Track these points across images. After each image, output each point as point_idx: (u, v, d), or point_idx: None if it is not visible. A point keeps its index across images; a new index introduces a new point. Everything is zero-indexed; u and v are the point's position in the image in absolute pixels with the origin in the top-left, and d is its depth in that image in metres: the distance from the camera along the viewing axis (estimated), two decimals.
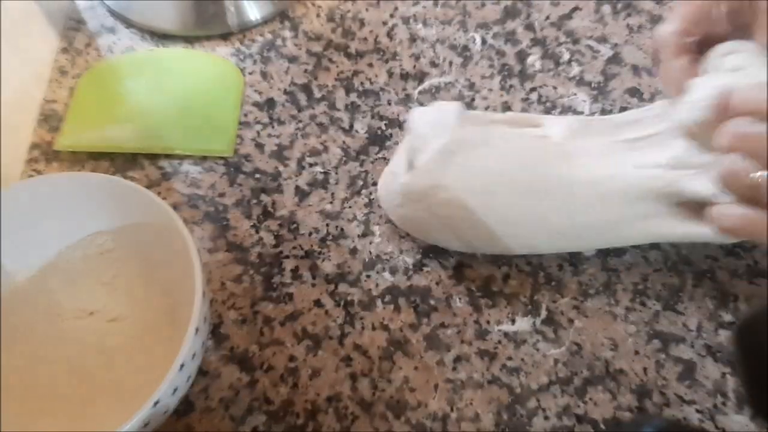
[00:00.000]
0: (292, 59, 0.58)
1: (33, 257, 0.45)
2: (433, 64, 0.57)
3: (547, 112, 0.54)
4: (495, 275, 0.47)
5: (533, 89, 0.56)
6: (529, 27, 0.59)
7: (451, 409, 0.43)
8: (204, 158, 0.53)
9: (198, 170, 0.53)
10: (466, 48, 0.58)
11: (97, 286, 0.46)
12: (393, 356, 0.45)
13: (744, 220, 0.35)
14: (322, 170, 0.52)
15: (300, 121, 0.55)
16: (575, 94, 0.55)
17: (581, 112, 0.54)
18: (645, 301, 0.46)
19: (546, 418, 0.42)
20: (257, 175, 0.52)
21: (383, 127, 0.54)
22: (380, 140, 0.53)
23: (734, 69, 0.38)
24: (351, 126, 0.54)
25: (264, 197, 0.51)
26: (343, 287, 0.47)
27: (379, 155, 0.53)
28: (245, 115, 0.55)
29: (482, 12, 0.60)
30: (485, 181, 0.44)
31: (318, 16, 0.61)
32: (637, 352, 0.44)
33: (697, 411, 0.42)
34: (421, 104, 0.55)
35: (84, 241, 0.46)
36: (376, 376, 0.44)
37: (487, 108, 0.55)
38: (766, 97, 0.34)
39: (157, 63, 0.58)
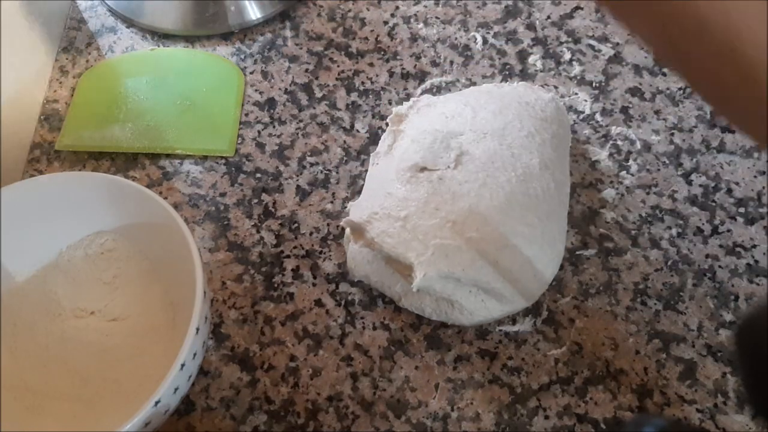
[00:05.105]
0: (293, 59, 0.58)
1: (33, 257, 0.45)
2: (434, 64, 0.57)
3: None
4: None
5: None
6: (530, 26, 0.59)
7: (452, 409, 0.43)
8: (205, 158, 0.53)
9: (199, 170, 0.53)
10: (467, 47, 0.58)
11: (98, 286, 0.46)
12: (394, 356, 0.45)
13: None
14: (322, 170, 0.52)
15: (301, 121, 0.55)
16: (576, 94, 0.55)
17: (582, 112, 0.54)
18: (646, 300, 0.46)
19: (546, 417, 0.42)
20: (258, 175, 0.52)
21: (384, 127, 0.54)
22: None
23: None
24: (352, 125, 0.54)
25: (265, 197, 0.51)
26: (343, 287, 0.47)
27: None
28: (246, 115, 0.55)
29: (483, 11, 0.60)
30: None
31: (319, 15, 0.61)
32: (637, 352, 0.44)
33: (698, 411, 0.42)
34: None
35: (85, 241, 0.46)
36: (377, 375, 0.44)
37: None
38: None
39: (157, 62, 0.58)
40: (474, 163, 0.44)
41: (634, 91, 0.55)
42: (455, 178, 0.44)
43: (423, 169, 0.44)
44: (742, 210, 0.50)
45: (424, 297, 0.43)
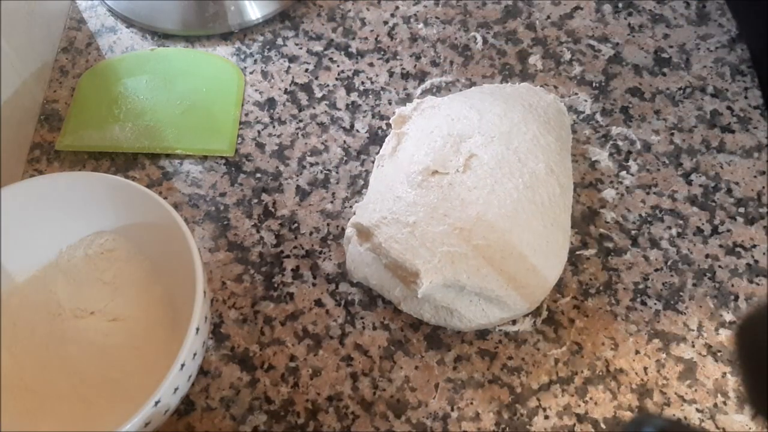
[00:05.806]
0: (293, 59, 0.58)
1: (33, 257, 0.45)
2: (434, 64, 0.57)
3: None
4: None
5: None
6: (530, 26, 0.59)
7: (452, 409, 0.43)
8: (205, 158, 0.53)
9: (199, 170, 0.53)
10: (467, 47, 0.58)
11: (98, 286, 0.46)
12: (394, 356, 0.45)
13: None
14: (322, 170, 0.52)
15: (301, 121, 0.55)
16: (576, 94, 0.55)
17: (582, 112, 0.54)
18: (646, 300, 0.46)
19: (546, 417, 0.42)
20: (258, 175, 0.52)
21: (384, 127, 0.54)
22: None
23: None
24: (352, 125, 0.54)
25: (265, 197, 0.51)
26: (343, 287, 0.47)
27: None
28: (246, 115, 0.55)
29: (483, 11, 0.60)
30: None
31: (319, 15, 0.61)
32: (637, 352, 0.44)
33: (698, 410, 0.42)
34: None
35: (85, 241, 0.46)
36: (377, 375, 0.44)
37: None
38: None
39: (157, 62, 0.58)
40: (482, 168, 0.44)
41: (634, 91, 0.55)
42: (464, 183, 0.43)
43: (434, 172, 0.44)
44: (742, 210, 0.50)
45: (424, 303, 0.43)
